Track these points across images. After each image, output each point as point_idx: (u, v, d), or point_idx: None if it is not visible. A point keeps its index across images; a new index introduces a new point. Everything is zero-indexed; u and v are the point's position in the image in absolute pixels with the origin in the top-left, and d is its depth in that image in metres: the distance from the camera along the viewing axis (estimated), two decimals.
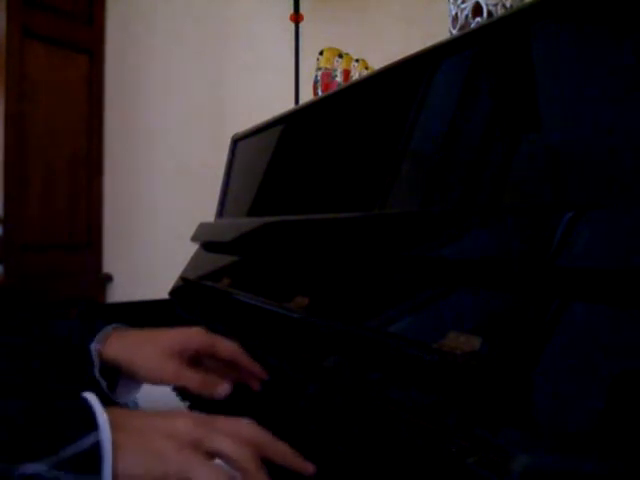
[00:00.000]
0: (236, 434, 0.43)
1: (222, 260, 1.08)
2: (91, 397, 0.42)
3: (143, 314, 1.15)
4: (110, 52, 2.31)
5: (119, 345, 0.60)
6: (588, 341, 0.37)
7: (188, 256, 1.25)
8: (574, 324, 0.39)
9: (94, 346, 0.59)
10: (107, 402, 0.50)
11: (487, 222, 0.50)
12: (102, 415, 0.40)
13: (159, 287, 1.26)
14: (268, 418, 0.64)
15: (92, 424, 0.39)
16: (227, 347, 0.62)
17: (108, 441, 0.38)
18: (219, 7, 2.21)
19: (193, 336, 0.61)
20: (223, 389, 0.57)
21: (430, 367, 0.47)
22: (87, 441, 0.38)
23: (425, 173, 0.65)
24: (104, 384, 0.60)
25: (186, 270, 1.21)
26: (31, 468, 0.36)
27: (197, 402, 0.70)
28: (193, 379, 0.57)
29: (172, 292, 1.20)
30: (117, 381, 0.62)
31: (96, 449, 0.38)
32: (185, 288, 1.17)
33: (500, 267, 0.46)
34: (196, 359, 0.61)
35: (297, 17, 1.93)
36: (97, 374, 0.59)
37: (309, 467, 0.45)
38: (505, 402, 0.40)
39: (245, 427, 0.45)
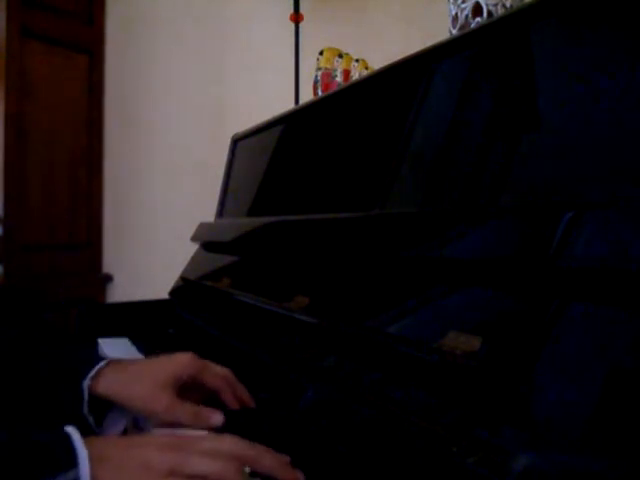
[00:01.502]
0: (215, 451, 0.43)
1: (222, 260, 1.08)
2: (72, 432, 0.42)
3: (143, 314, 1.15)
4: (110, 52, 2.31)
5: (112, 380, 0.60)
6: (588, 341, 0.37)
7: (188, 256, 1.25)
8: (574, 324, 0.39)
9: (86, 383, 0.59)
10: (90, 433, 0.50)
11: (487, 222, 0.50)
12: (82, 451, 0.40)
13: (159, 287, 1.26)
14: (268, 419, 0.64)
15: (72, 460, 0.39)
16: (212, 380, 0.63)
17: (87, 478, 0.38)
18: (219, 7, 2.21)
19: (186, 366, 0.61)
20: (216, 420, 0.57)
21: (430, 367, 0.47)
22: (66, 477, 0.38)
23: (425, 173, 0.65)
24: (92, 420, 0.60)
25: (186, 270, 1.21)
26: None
27: None
28: (186, 412, 0.57)
29: (172, 292, 1.20)
30: (105, 414, 0.62)
31: None
32: (185, 288, 1.17)
33: (500, 267, 0.46)
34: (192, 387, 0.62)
35: (297, 17, 1.93)
36: (86, 411, 0.59)
37: (298, 476, 0.45)
38: (505, 402, 0.40)
39: (225, 443, 0.45)
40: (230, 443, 0.45)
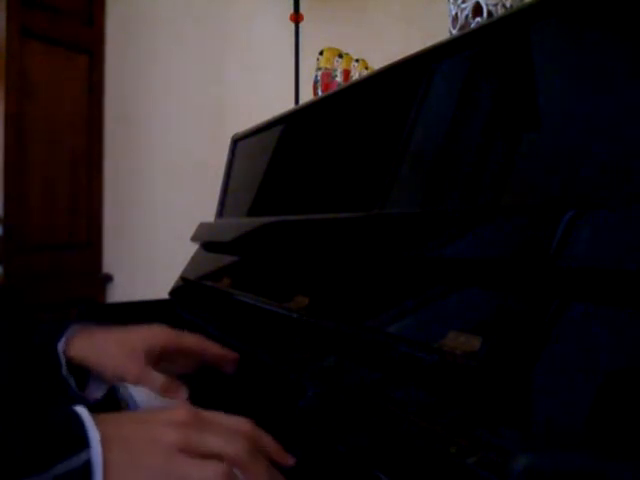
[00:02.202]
0: (231, 431, 0.43)
1: (222, 260, 1.08)
2: (82, 412, 0.41)
3: (143, 314, 1.15)
4: (110, 52, 2.31)
5: (84, 344, 0.60)
6: (588, 341, 0.37)
7: (188, 256, 1.25)
8: (574, 324, 0.39)
9: (60, 346, 0.59)
10: (77, 400, 0.50)
11: (487, 222, 0.50)
12: (94, 432, 0.39)
13: (159, 287, 1.26)
14: (268, 418, 0.64)
15: (84, 442, 0.38)
16: (192, 340, 0.64)
17: (99, 459, 0.38)
18: (219, 7, 2.21)
19: (157, 335, 0.62)
20: (181, 395, 0.58)
21: (430, 367, 0.47)
22: (79, 459, 0.38)
23: (425, 173, 0.65)
24: (73, 383, 0.60)
25: (186, 270, 1.21)
26: None
27: (197, 396, 0.70)
28: (155, 381, 0.58)
29: (172, 292, 1.20)
30: (88, 378, 0.63)
31: (87, 467, 0.37)
32: (185, 288, 1.17)
33: (500, 267, 0.46)
34: (166, 357, 0.63)
35: (297, 17, 1.93)
36: (64, 373, 0.60)
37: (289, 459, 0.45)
38: (505, 402, 0.40)
39: (241, 424, 0.44)
40: (246, 425, 0.44)
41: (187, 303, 1.12)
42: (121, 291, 2.28)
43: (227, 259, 1.06)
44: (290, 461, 0.46)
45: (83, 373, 0.62)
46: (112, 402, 0.65)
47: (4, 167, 1.94)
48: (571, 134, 0.48)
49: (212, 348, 0.65)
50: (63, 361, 0.60)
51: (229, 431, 0.43)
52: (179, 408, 0.44)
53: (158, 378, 0.58)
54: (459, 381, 0.44)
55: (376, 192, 0.72)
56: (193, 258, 1.24)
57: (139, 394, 0.71)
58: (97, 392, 0.63)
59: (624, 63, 0.45)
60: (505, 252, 0.46)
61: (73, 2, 2.20)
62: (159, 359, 0.61)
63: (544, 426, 0.36)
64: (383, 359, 0.54)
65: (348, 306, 0.64)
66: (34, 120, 2.06)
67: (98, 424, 0.40)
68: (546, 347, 0.39)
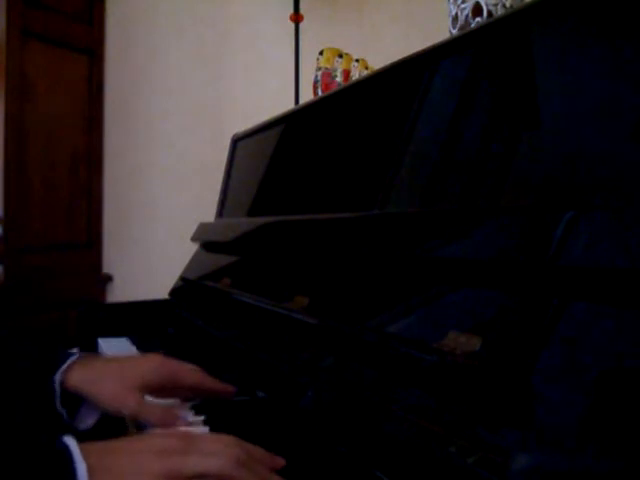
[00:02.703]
0: (213, 452, 0.44)
1: (222, 260, 1.08)
2: (70, 442, 0.41)
3: (143, 314, 1.15)
4: (110, 52, 2.31)
5: (82, 375, 0.60)
6: (588, 341, 0.37)
7: (188, 256, 1.25)
8: (574, 324, 0.39)
9: (57, 377, 0.60)
10: (67, 430, 0.51)
11: (487, 222, 0.50)
12: (81, 464, 0.39)
13: (159, 287, 1.26)
14: (268, 419, 0.64)
15: (71, 474, 0.39)
16: (189, 375, 0.63)
17: None
18: (219, 7, 2.21)
19: (156, 369, 0.62)
20: (183, 422, 0.59)
21: (430, 367, 0.47)
22: None
23: (425, 173, 0.65)
24: (65, 414, 0.61)
25: (186, 270, 1.22)
26: None
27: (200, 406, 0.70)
28: (153, 414, 0.58)
29: (172, 292, 1.20)
30: (79, 407, 0.63)
31: None
32: (185, 288, 1.17)
33: (500, 267, 0.46)
34: (164, 390, 0.63)
35: (297, 17, 1.93)
36: (58, 406, 0.60)
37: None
38: (505, 402, 0.40)
39: (222, 443, 0.45)
40: (229, 439, 0.45)
41: (187, 303, 1.12)
42: (121, 291, 2.28)
43: (227, 259, 1.06)
44: (280, 462, 0.46)
45: (75, 401, 0.62)
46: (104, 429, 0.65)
47: (4, 167, 1.94)
48: (571, 134, 0.48)
49: (209, 384, 0.64)
50: (58, 393, 0.60)
51: (212, 449, 0.44)
52: (162, 435, 0.44)
53: (155, 411, 0.59)
54: (459, 381, 0.44)
55: (376, 192, 0.72)
56: (193, 258, 1.24)
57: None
58: (88, 420, 0.63)
59: (624, 63, 0.45)
60: (505, 252, 0.46)
61: (73, 2, 2.19)
62: (157, 392, 0.62)
63: (544, 426, 0.36)
64: (383, 359, 0.54)
65: (348, 306, 0.64)
66: (34, 120, 2.06)
67: (85, 456, 0.40)
68: (546, 347, 0.39)
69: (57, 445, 0.41)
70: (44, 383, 0.59)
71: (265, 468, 0.46)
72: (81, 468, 0.39)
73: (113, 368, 0.61)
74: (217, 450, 0.44)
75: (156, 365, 0.62)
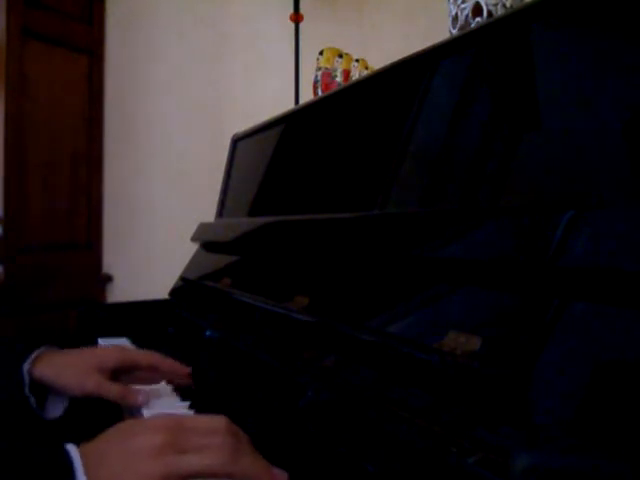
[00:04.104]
0: (204, 438, 0.44)
1: (222, 260, 1.08)
2: (70, 447, 0.42)
3: (143, 314, 1.15)
4: (110, 52, 2.31)
5: (47, 364, 0.67)
6: (588, 341, 0.37)
7: (188, 256, 1.25)
8: (574, 324, 0.39)
9: (26, 366, 0.66)
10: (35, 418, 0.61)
11: (487, 222, 0.50)
12: (79, 468, 0.41)
13: (159, 287, 1.26)
14: (268, 419, 0.64)
15: (70, 476, 0.40)
16: (145, 357, 0.71)
17: None
18: (219, 7, 2.21)
19: (110, 353, 0.69)
20: (142, 400, 0.66)
21: (430, 367, 0.47)
22: None
23: (425, 173, 0.65)
24: (33, 401, 0.67)
25: (186, 270, 1.22)
26: None
27: (197, 402, 0.70)
28: (112, 390, 0.66)
29: (172, 292, 1.20)
30: (46, 397, 0.69)
31: None
32: (185, 288, 1.17)
33: (500, 267, 0.46)
34: (122, 372, 0.70)
35: (297, 17, 1.93)
36: (27, 392, 0.66)
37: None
38: (505, 402, 0.40)
39: (218, 435, 0.44)
40: (219, 432, 0.44)
41: (187, 303, 1.12)
42: (121, 291, 2.28)
43: (227, 259, 1.06)
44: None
45: (42, 392, 0.68)
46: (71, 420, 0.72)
47: (4, 167, 1.94)
48: (571, 134, 0.48)
49: (164, 363, 0.71)
50: (27, 380, 0.66)
51: (206, 442, 0.43)
52: (156, 430, 0.44)
53: (113, 389, 0.66)
54: (459, 381, 0.44)
55: (376, 192, 0.72)
56: (193, 258, 1.24)
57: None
58: (55, 411, 0.70)
59: (624, 63, 0.45)
60: (505, 252, 0.46)
61: (73, 2, 2.19)
62: (114, 374, 0.68)
63: (544, 426, 0.36)
64: (383, 359, 0.54)
65: (348, 306, 0.64)
66: (34, 120, 2.06)
67: (84, 456, 0.41)
68: (546, 347, 0.39)
69: (56, 449, 0.42)
70: (14, 371, 0.65)
71: (258, 453, 0.45)
72: (79, 471, 0.40)
73: (73, 356, 0.69)
74: (211, 443, 0.43)
75: (112, 350, 0.71)
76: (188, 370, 0.72)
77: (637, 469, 0.31)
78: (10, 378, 0.66)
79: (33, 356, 0.67)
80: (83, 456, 0.41)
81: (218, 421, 0.45)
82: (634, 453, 0.31)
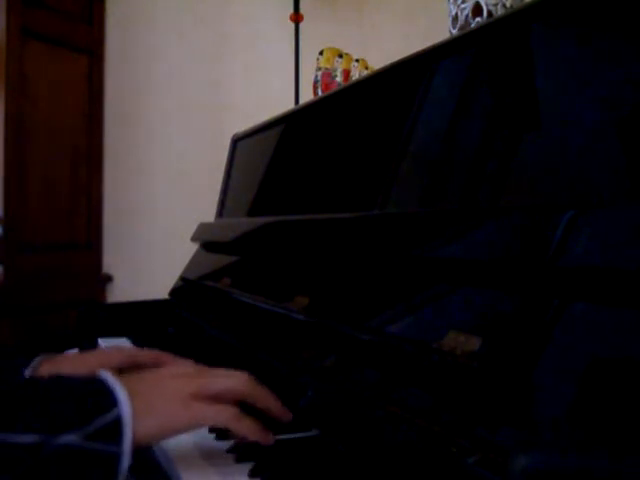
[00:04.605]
0: (231, 375, 0.51)
1: (222, 260, 1.08)
2: (107, 375, 0.47)
3: (143, 314, 1.15)
4: (110, 52, 2.31)
5: (48, 369, 0.66)
6: (588, 341, 0.37)
7: (188, 256, 1.25)
8: (574, 324, 0.39)
9: (27, 372, 0.65)
10: None
11: (487, 222, 0.50)
12: (122, 390, 0.46)
13: (159, 287, 1.26)
14: (268, 418, 0.64)
15: (115, 399, 0.45)
16: (145, 354, 0.70)
17: (128, 413, 0.44)
18: (219, 7, 2.21)
19: (112, 354, 0.69)
20: None
21: (430, 367, 0.47)
22: (112, 414, 0.44)
23: (425, 173, 0.65)
24: None
25: (186, 270, 1.21)
26: (65, 439, 0.42)
27: None
28: None
29: (172, 292, 1.20)
30: None
31: (119, 421, 0.44)
32: (185, 288, 1.17)
33: (500, 267, 0.46)
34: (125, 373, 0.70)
35: (297, 17, 1.93)
36: None
37: (288, 414, 0.52)
38: (505, 402, 0.40)
39: (237, 373, 0.52)
40: (241, 373, 0.52)
41: (187, 303, 1.12)
42: (121, 291, 2.28)
43: (227, 259, 1.06)
44: (288, 415, 0.53)
45: None
46: None
47: (4, 167, 1.94)
48: (571, 134, 0.48)
49: (168, 361, 0.71)
50: None
51: (227, 373, 0.51)
52: (184, 364, 0.54)
53: None
54: (459, 381, 0.44)
55: (376, 192, 0.72)
56: (193, 258, 1.24)
57: None
58: None
59: (624, 63, 0.45)
60: (505, 252, 0.46)
61: (73, 2, 2.19)
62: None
63: (544, 426, 0.36)
64: (383, 359, 0.54)
65: (348, 306, 0.64)
66: (34, 120, 2.06)
67: (124, 383, 0.46)
68: (546, 347, 0.39)
69: (96, 378, 0.47)
70: (16, 374, 0.65)
71: (272, 396, 0.52)
72: (122, 394, 0.45)
73: (75, 360, 0.68)
74: (232, 374, 0.51)
75: (114, 352, 0.70)
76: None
77: (637, 469, 0.31)
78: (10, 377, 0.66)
79: (35, 362, 0.67)
80: (119, 378, 0.47)
81: (241, 372, 0.52)
82: (634, 453, 0.31)
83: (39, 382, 0.49)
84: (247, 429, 0.48)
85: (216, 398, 0.48)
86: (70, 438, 0.42)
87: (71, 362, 0.67)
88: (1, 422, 0.42)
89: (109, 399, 0.45)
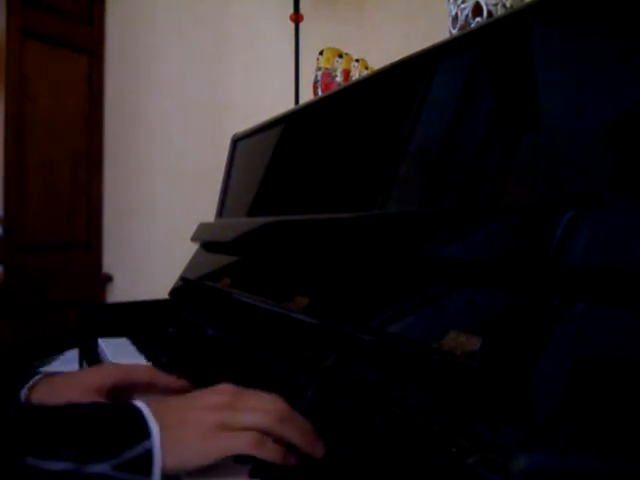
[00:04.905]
0: (257, 408, 0.50)
1: (222, 260, 1.08)
2: (142, 406, 0.48)
3: (143, 314, 1.15)
4: (110, 52, 2.31)
5: (44, 389, 0.66)
6: (588, 341, 0.37)
7: (188, 256, 1.25)
8: (574, 324, 0.39)
9: (23, 393, 0.64)
10: None
11: (487, 222, 0.50)
12: (155, 425, 0.46)
13: (159, 287, 1.26)
14: None
15: (147, 431, 0.46)
16: (141, 371, 0.70)
17: (158, 447, 0.45)
18: (219, 7, 2.21)
19: (108, 373, 0.68)
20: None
21: (430, 367, 0.47)
22: (142, 446, 0.45)
23: (425, 173, 0.65)
24: None
25: (186, 270, 1.21)
26: (96, 468, 0.43)
27: None
28: None
29: (172, 292, 1.20)
30: None
31: (149, 454, 0.45)
32: (185, 288, 1.17)
33: (500, 267, 0.46)
34: (120, 391, 0.68)
35: (297, 17, 1.93)
36: None
37: (320, 448, 0.50)
38: (505, 402, 0.40)
39: (268, 401, 0.51)
40: (273, 402, 0.51)
41: (187, 303, 1.12)
42: (121, 291, 2.28)
43: (227, 259, 1.06)
44: (319, 450, 0.50)
45: None
46: None
47: (4, 167, 1.94)
48: (571, 134, 0.48)
49: (162, 379, 0.70)
50: None
51: (258, 406, 0.50)
52: (216, 393, 0.51)
53: None
54: (459, 381, 0.44)
55: (376, 192, 0.72)
56: (193, 258, 1.24)
57: None
58: None
59: (624, 63, 0.45)
60: (505, 252, 0.46)
61: (73, 2, 2.20)
62: (112, 392, 0.67)
63: (544, 426, 0.36)
64: (383, 359, 0.54)
65: (348, 306, 0.64)
66: (34, 120, 2.06)
67: (154, 414, 0.47)
68: (546, 347, 0.39)
69: (130, 407, 0.48)
70: (10, 397, 0.64)
71: (306, 426, 0.50)
72: (154, 427, 0.46)
73: (70, 378, 0.68)
74: (263, 407, 0.50)
75: (108, 369, 0.70)
76: (188, 384, 0.71)
77: (637, 469, 0.31)
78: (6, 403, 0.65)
79: (31, 382, 0.66)
80: (152, 408, 0.48)
81: (275, 399, 0.51)
82: (634, 453, 0.31)
83: (76, 407, 0.50)
84: (272, 454, 0.48)
85: (241, 428, 0.48)
86: (101, 467, 0.43)
87: (68, 382, 0.66)
88: (36, 447, 0.43)
89: (142, 431, 0.46)
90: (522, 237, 0.45)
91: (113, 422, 0.47)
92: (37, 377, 0.67)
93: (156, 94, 2.23)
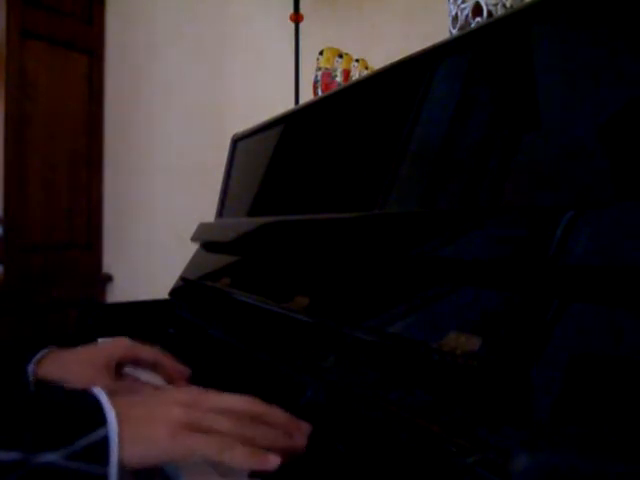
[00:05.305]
0: (229, 410, 0.48)
1: (222, 260, 1.08)
2: (100, 393, 0.46)
3: (143, 314, 1.15)
4: (110, 52, 2.31)
5: (52, 364, 0.65)
6: (588, 341, 0.37)
7: (188, 256, 1.25)
8: (574, 324, 0.39)
9: (30, 367, 0.64)
10: None
11: (487, 222, 0.50)
12: (110, 411, 0.44)
13: (159, 287, 1.26)
14: None
15: (102, 419, 0.43)
16: (147, 351, 0.69)
17: (115, 434, 0.43)
18: (219, 7, 2.20)
19: (116, 348, 0.68)
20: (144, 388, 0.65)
21: (430, 367, 0.47)
22: (98, 434, 0.42)
23: (425, 173, 0.65)
24: None
25: (186, 270, 1.21)
26: (47, 457, 0.40)
27: None
28: (122, 388, 0.63)
29: (172, 292, 1.20)
30: None
31: (105, 442, 0.42)
32: (185, 288, 1.17)
33: (500, 267, 0.46)
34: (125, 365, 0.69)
35: (297, 17, 1.93)
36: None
37: (304, 426, 0.49)
38: (505, 402, 0.40)
39: (238, 401, 0.49)
40: (242, 402, 0.49)
41: (187, 303, 1.12)
42: (121, 291, 2.28)
43: (227, 259, 1.05)
44: (305, 426, 0.50)
45: None
46: None
47: (4, 167, 1.94)
48: (571, 134, 0.48)
49: (166, 362, 0.70)
50: (31, 380, 0.64)
51: (226, 410, 0.48)
52: (182, 390, 0.50)
53: (125, 384, 0.65)
54: (459, 381, 0.44)
55: (376, 192, 0.72)
56: (193, 258, 1.24)
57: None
58: None
59: (624, 63, 0.45)
60: (505, 252, 0.46)
61: (73, 2, 2.19)
62: (119, 369, 0.67)
63: (544, 426, 0.36)
64: (383, 359, 0.54)
65: (348, 306, 0.64)
66: (34, 120, 2.06)
67: (114, 404, 0.45)
68: (546, 347, 0.39)
69: (87, 394, 0.46)
70: (18, 372, 0.64)
71: (279, 420, 0.49)
72: (110, 415, 0.43)
73: (79, 354, 0.67)
74: (231, 407, 0.48)
75: (118, 344, 0.69)
76: (188, 373, 0.71)
77: (637, 469, 0.31)
78: (13, 378, 0.65)
79: (38, 356, 0.66)
80: (112, 401, 0.45)
81: (242, 399, 0.50)
82: (635, 453, 0.31)
83: (29, 394, 0.48)
84: (241, 457, 0.44)
85: (210, 430, 0.45)
86: (52, 457, 0.40)
87: (76, 359, 0.66)
88: None
89: (97, 418, 0.43)
90: (522, 237, 0.45)
91: (67, 409, 0.44)
92: (45, 351, 0.66)
93: (156, 94, 2.23)
